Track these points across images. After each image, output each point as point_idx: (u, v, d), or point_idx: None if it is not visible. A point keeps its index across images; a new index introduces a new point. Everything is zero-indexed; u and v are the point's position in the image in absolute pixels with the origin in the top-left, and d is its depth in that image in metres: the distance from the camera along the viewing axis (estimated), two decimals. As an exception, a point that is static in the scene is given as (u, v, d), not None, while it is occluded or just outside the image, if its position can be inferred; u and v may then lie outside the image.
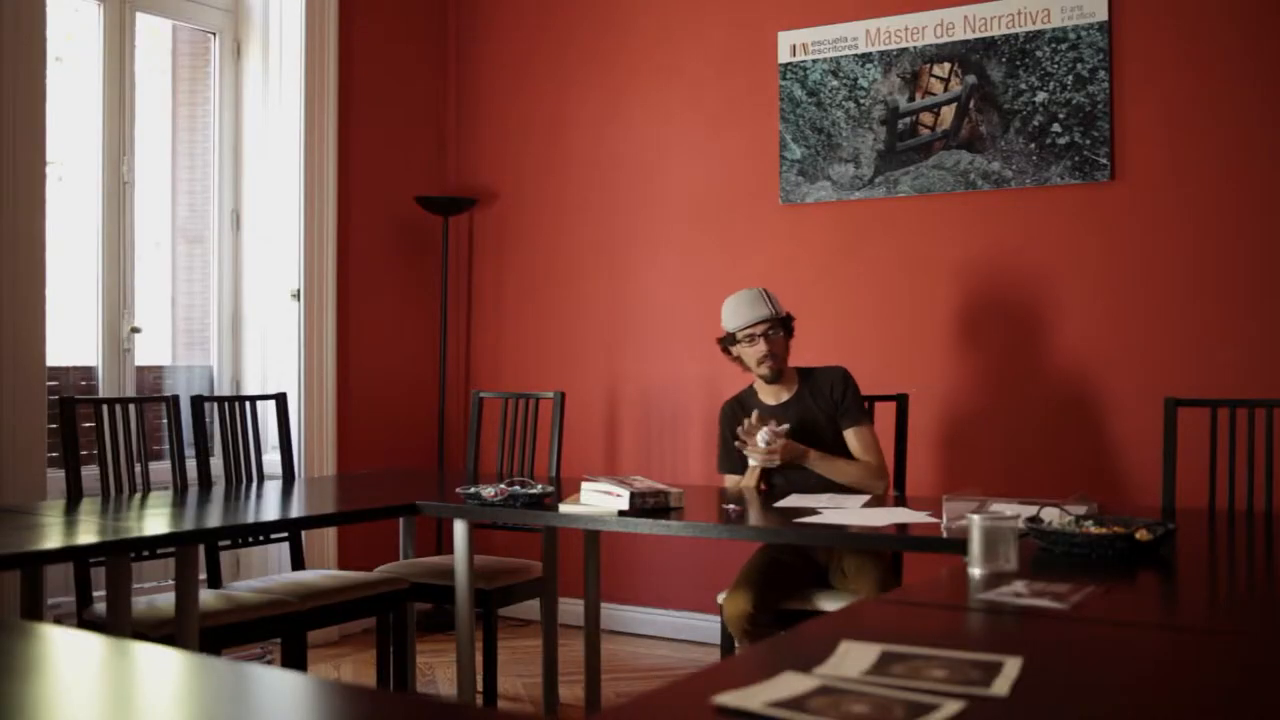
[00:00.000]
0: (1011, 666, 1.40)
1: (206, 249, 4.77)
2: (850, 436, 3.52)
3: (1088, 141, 4.09)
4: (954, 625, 1.78)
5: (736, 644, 3.23)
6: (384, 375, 5.15)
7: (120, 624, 2.78)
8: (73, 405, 3.41)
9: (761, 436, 3.37)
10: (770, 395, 3.61)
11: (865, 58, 4.48)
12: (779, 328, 3.55)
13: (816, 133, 4.57)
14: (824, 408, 3.55)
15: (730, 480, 3.64)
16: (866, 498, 3.30)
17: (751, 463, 3.48)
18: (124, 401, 3.59)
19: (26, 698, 1.35)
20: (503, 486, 3.23)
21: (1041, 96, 4.17)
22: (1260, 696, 1.39)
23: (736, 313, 3.56)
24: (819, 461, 3.44)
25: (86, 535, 2.82)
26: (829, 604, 3.22)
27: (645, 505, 3.03)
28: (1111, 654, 1.57)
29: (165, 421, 3.73)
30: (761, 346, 3.53)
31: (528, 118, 5.25)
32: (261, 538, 3.85)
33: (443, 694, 4.06)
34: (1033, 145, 4.18)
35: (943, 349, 4.34)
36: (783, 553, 3.40)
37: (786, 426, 3.41)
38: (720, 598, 3.32)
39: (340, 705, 1.36)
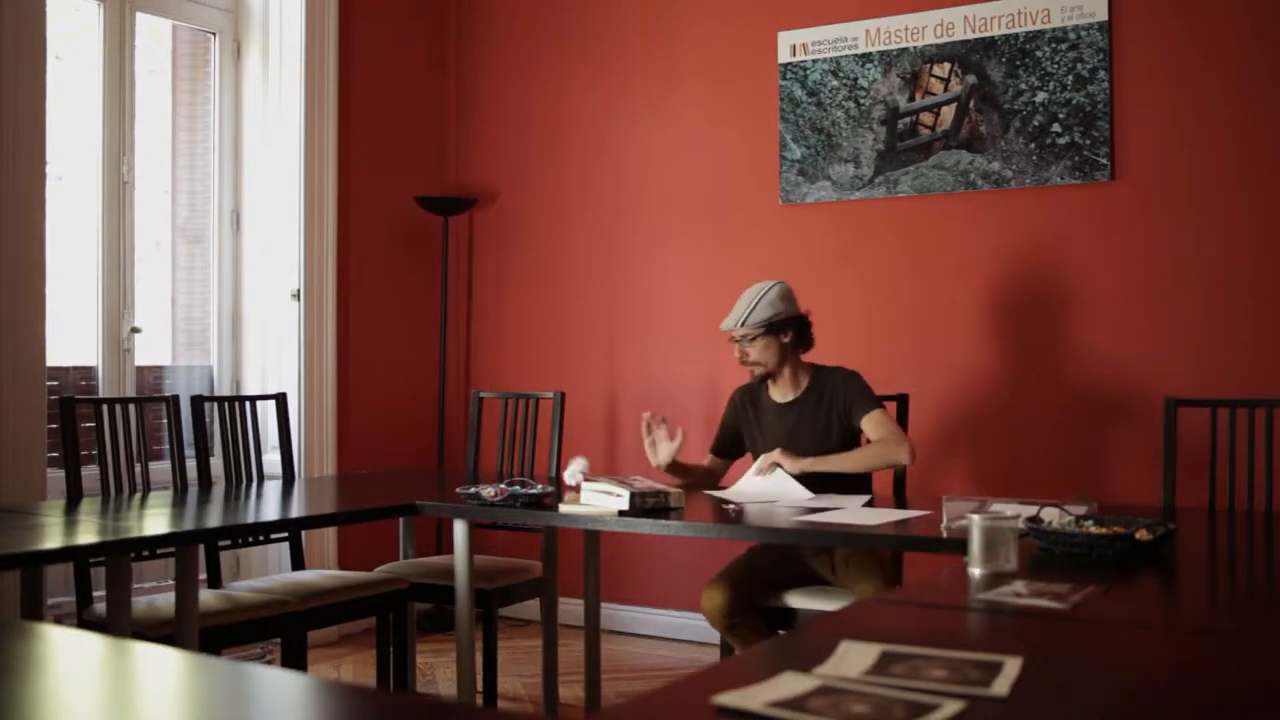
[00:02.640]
0: (1011, 666, 1.40)
1: (206, 249, 4.77)
2: (865, 425, 3.44)
3: (1088, 141, 4.09)
4: (954, 625, 1.78)
5: (721, 637, 3.29)
6: (384, 375, 5.15)
7: (120, 624, 2.78)
8: (73, 405, 3.40)
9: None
10: (778, 392, 3.59)
11: (865, 58, 4.48)
12: (756, 337, 3.47)
13: (816, 133, 4.57)
14: (827, 411, 3.49)
15: (711, 461, 3.74)
16: (867, 497, 3.30)
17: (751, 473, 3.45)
18: (124, 401, 3.59)
19: (26, 698, 1.35)
20: (502, 487, 3.23)
21: (1041, 96, 4.17)
22: (1260, 696, 1.39)
23: (732, 311, 3.53)
24: (826, 462, 3.37)
25: (86, 535, 2.82)
26: (809, 603, 3.22)
27: (645, 505, 3.03)
28: (1111, 654, 1.57)
29: (165, 421, 3.73)
30: (736, 352, 3.52)
31: (528, 118, 5.25)
32: (261, 538, 3.85)
33: (443, 694, 4.06)
34: (1033, 145, 4.18)
35: (942, 349, 4.33)
36: (767, 552, 3.40)
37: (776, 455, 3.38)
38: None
39: (340, 705, 1.36)
